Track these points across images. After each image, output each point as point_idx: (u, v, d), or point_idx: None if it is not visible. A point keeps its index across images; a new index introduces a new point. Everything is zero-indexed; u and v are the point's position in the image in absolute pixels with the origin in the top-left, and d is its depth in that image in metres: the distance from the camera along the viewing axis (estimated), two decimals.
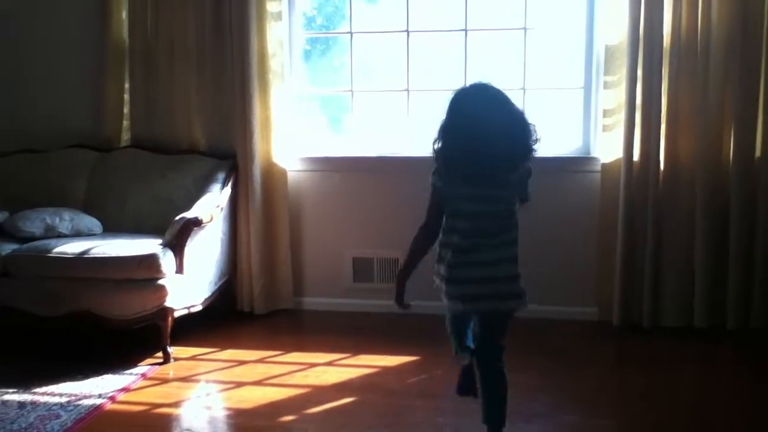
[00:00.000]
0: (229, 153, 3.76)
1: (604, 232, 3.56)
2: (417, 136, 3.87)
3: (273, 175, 3.76)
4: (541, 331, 3.48)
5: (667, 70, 3.41)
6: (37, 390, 2.81)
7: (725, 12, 3.32)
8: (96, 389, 2.83)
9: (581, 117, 3.70)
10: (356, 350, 3.25)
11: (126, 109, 3.87)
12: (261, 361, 3.16)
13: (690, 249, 3.47)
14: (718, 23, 3.34)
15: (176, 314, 3.17)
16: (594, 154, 3.66)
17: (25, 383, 2.87)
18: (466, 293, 2.09)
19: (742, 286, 3.42)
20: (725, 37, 3.34)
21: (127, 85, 3.84)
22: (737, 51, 3.32)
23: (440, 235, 2.14)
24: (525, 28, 3.71)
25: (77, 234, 3.38)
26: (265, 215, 3.75)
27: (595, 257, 3.62)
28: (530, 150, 2.08)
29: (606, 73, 3.51)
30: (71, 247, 3.13)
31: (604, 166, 3.55)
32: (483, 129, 2.01)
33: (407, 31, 3.81)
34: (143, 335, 3.19)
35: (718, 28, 3.34)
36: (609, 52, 3.49)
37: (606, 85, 3.52)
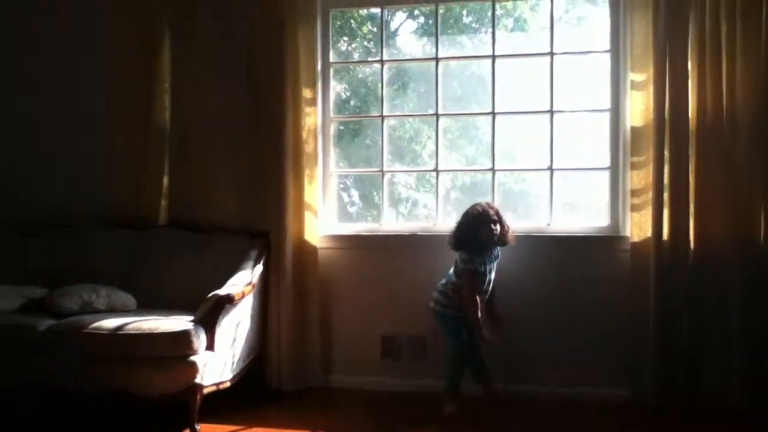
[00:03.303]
0: (262, 231, 3.85)
1: (635, 311, 3.52)
2: (446, 214, 3.93)
3: (304, 253, 3.82)
4: (572, 414, 3.41)
5: (694, 150, 3.44)
6: None
7: (750, 92, 3.37)
8: None
9: (608, 196, 3.73)
10: (384, 430, 3.21)
11: (165, 189, 4.00)
12: None
13: (726, 329, 3.40)
14: (743, 103, 3.39)
15: (205, 391, 3.19)
16: (623, 233, 3.66)
17: None
18: None
19: None
20: (751, 117, 3.37)
21: (167, 166, 3.99)
22: (763, 129, 3.35)
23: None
24: (552, 111, 3.79)
25: (112, 310, 3.45)
26: (295, 292, 3.80)
27: (628, 337, 3.56)
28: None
29: (633, 154, 3.55)
30: (106, 323, 3.19)
31: (633, 245, 3.54)
32: None
33: (437, 114, 3.93)
34: (170, 412, 3.19)
35: (744, 108, 3.39)
36: (635, 133, 3.54)
37: (633, 166, 3.55)
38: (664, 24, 3.42)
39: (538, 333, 3.69)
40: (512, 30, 4.29)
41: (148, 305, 3.59)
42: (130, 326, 3.16)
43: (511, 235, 3.42)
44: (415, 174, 4.49)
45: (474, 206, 3.40)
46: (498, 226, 3.34)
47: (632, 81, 3.55)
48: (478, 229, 3.32)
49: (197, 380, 3.10)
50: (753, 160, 3.38)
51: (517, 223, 3.72)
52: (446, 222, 3.85)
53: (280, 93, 3.75)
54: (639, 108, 3.53)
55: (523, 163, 4.27)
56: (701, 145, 3.43)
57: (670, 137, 3.44)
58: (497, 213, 3.37)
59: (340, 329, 3.93)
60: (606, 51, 3.74)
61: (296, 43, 3.78)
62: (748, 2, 3.36)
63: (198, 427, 3.14)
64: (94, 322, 3.21)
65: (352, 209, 4.55)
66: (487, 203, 3.42)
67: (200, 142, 3.94)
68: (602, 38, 3.77)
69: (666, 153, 3.44)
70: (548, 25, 3.81)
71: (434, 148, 3.96)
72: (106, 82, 4.14)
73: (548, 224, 3.78)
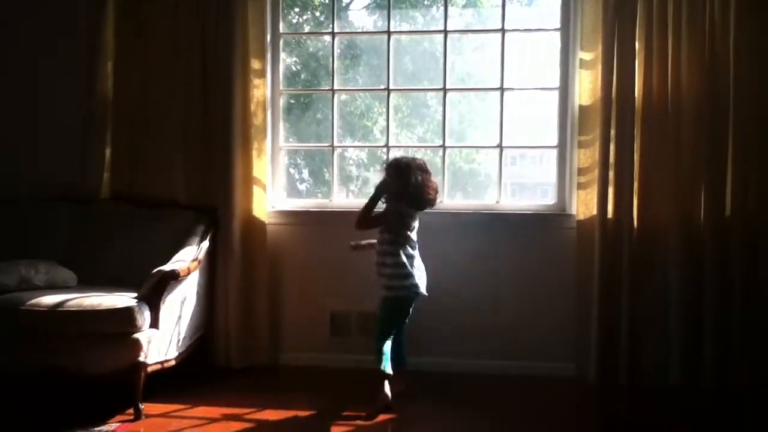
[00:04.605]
0: (209, 206, 3.77)
1: (580, 288, 3.60)
2: None
3: (252, 229, 3.77)
4: (516, 388, 3.48)
5: (639, 130, 3.51)
6: None
7: (694, 76, 3.45)
8: None
9: (556, 175, 3.78)
10: (332, 408, 3.21)
11: (107, 162, 3.86)
12: (234, 418, 3.10)
13: (665, 306, 3.51)
14: (687, 87, 3.47)
15: (149, 369, 3.12)
16: (570, 210, 3.72)
17: None
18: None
19: (717, 344, 3.45)
20: (694, 100, 3.46)
21: (109, 138, 3.84)
22: (706, 113, 3.44)
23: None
24: (502, 88, 3.81)
25: (52, 286, 3.34)
26: (243, 269, 3.74)
27: (572, 313, 3.64)
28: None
29: (580, 132, 3.60)
30: (45, 300, 3.09)
31: (579, 222, 3.60)
32: None
33: (388, 89, 3.90)
34: (114, 390, 3.12)
35: (688, 92, 3.47)
36: (583, 112, 3.59)
37: (580, 144, 3.61)
38: (613, 3, 3.46)
39: (482, 308, 3.74)
40: (465, 6, 4.28)
41: (90, 282, 3.48)
42: (70, 303, 3.06)
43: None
44: (366, 151, 4.46)
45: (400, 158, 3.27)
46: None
47: (581, 60, 3.59)
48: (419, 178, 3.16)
49: (141, 358, 3.04)
50: (695, 141, 3.47)
51: (467, 201, 3.74)
52: None
53: (228, 63, 3.66)
54: (587, 87, 3.57)
55: (474, 142, 4.30)
56: (646, 125, 3.50)
57: (617, 117, 3.50)
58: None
59: (289, 306, 3.90)
60: (556, 29, 3.77)
61: (245, 12, 3.68)
62: None
63: (142, 406, 3.08)
64: (32, 298, 3.10)
65: (302, 186, 4.51)
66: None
67: (146, 114, 3.81)
68: (553, 17, 3.79)
69: (612, 132, 3.50)
70: (500, 2, 3.81)
71: (385, 124, 3.93)
72: (48, 48, 3.97)
73: (497, 202, 3.81)
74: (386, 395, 3.14)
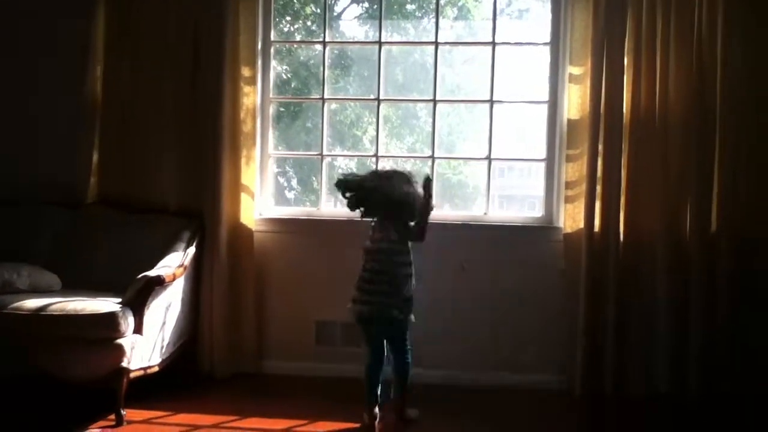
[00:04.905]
0: (196, 212, 3.75)
1: (566, 300, 3.61)
2: None
3: (239, 236, 3.75)
4: (501, 401, 3.48)
5: (627, 145, 3.53)
6: None
7: (681, 92, 3.49)
8: None
9: (543, 187, 3.80)
10: (314, 417, 3.19)
11: (94, 165, 3.83)
12: (216, 426, 3.07)
13: (652, 318, 3.52)
14: (675, 101, 3.50)
15: (132, 375, 3.09)
16: (557, 223, 3.74)
17: None
18: None
19: (703, 353, 3.46)
20: (682, 115, 3.49)
21: (97, 141, 3.82)
22: (693, 127, 3.48)
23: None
24: (492, 101, 3.83)
25: (35, 290, 3.30)
26: (229, 276, 3.72)
27: (559, 325, 3.64)
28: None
29: (569, 146, 3.62)
30: (28, 303, 3.05)
31: (566, 235, 3.62)
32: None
33: (378, 99, 3.91)
34: (96, 395, 3.09)
35: (675, 106, 3.50)
36: (571, 126, 3.61)
37: (568, 158, 3.63)
38: (603, 19, 3.49)
39: (469, 320, 3.73)
40: (456, 19, 4.31)
41: (74, 286, 3.45)
42: (53, 307, 3.03)
43: None
44: (356, 160, 4.46)
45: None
46: None
47: (570, 74, 3.62)
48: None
49: (124, 364, 3.01)
50: (682, 156, 3.50)
51: (455, 212, 3.75)
52: None
53: (219, 70, 3.65)
54: (576, 101, 3.60)
55: (462, 154, 4.33)
56: (634, 140, 3.53)
57: (605, 131, 3.52)
58: None
59: (274, 314, 3.88)
60: (546, 44, 3.80)
61: (237, 20, 3.68)
62: (682, 1, 3.47)
63: (124, 412, 3.04)
64: (15, 302, 3.07)
65: (291, 194, 4.51)
66: None
67: (135, 118, 3.79)
68: (543, 31, 3.82)
69: (600, 146, 3.53)
70: (491, 16, 3.84)
71: (375, 134, 3.94)
72: (36, 48, 3.94)
73: (485, 213, 3.82)
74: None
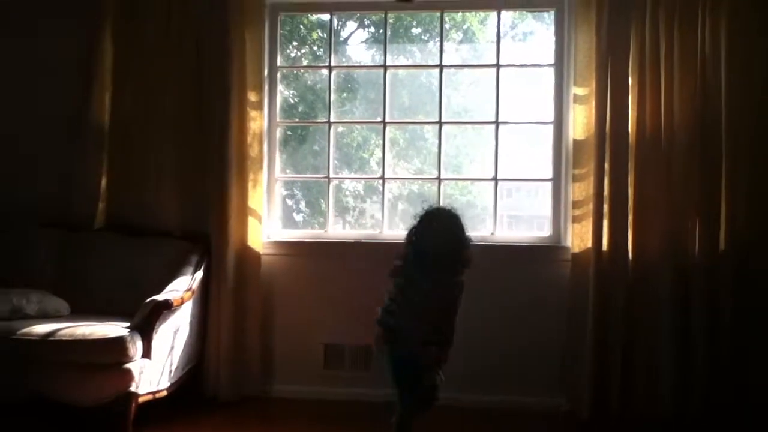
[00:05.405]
0: (203, 236, 3.77)
1: (573, 321, 3.58)
2: (393, 223, 3.93)
3: (247, 259, 3.75)
4: (507, 423, 3.46)
5: (633, 164, 3.53)
6: None
7: (686, 110, 3.49)
8: None
9: (550, 207, 3.80)
10: None
11: (103, 191, 3.85)
12: None
13: (659, 338, 3.49)
14: (680, 121, 3.50)
15: (140, 399, 3.09)
16: (564, 243, 3.72)
17: None
18: None
19: (706, 374, 3.43)
20: (687, 134, 3.49)
21: (105, 167, 3.85)
22: (698, 148, 3.47)
23: None
24: (497, 122, 3.85)
25: (44, 315, 3.32)
26: (236, 299, 3.72)
27: (566, 346, 3.61)
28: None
29: (575, 166, 3.63)
30: (37, 329, 3.07)
31: (574, 255, 3.60)
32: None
33: (384, 122, 3.94)
34: (104, 419, 3.08)
35: (680, 125, 3.50)
36: (577, 146, 3.62)
37: (574, 178, 3.62)
38: (606, 40, 3.51)
39: (476, 341, 3.69)
40: (461, 42, 4.34)
41: (82, 311, 3.46)
42: (62, 332, 3.04)
43: None
44: (363, 183, 4.48)
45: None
46: None
47: (575, 95, 3.63)
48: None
49: (132, 388, 3.01)
50: (688, 175, 3.49)
51: None
52: (392, 230, 3.87)
53: (225, 95, 3.69)
54: (581, 121, 3.61)
55: (469, 175, 4.34)
56: (640, 159, 3.53)
57: (611, 151, 3.52)
58: None
59: (282, 337, 3.87)
60: (550, 65, 3.82)
61: (243, 46, 3.73)
62: (686, 21, 3.49)
63: None
64: (24, 327, 3.08)
65: (298, 217, 4.52)
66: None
67: (141, 143, 3.83)
68: (547, 53, 3.85)
69: (606, 166, 3.53)
70: (495, 38, 3.87)
71: (381, 156, 3.96)
72: (42, 74, 3.99)
73: (492, 233, 3.81)
74: None
